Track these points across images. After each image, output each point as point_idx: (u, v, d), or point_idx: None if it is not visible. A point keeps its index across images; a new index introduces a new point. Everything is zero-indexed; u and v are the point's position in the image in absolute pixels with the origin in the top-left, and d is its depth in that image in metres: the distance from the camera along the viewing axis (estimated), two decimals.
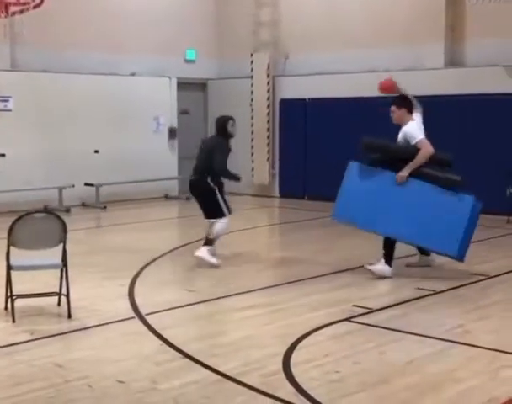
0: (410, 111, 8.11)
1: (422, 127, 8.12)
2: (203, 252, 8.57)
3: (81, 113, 14.04)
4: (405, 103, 8.14)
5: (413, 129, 7.99)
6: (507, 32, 12.40)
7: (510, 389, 4.78)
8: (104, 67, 14.40)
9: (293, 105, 15.11)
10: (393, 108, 8.14)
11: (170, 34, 15.49)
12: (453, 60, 13.18)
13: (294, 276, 8.06)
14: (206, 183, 8.56)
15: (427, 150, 7.86)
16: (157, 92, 15.31)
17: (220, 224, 8.59)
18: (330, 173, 14.49)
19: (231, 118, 9.01)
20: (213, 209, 8.61)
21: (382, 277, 7.87)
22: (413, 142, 7.93)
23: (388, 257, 7.94)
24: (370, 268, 7.97)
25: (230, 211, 8.72)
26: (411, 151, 7.94)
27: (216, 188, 8.59)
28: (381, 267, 7.94)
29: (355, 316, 6.47)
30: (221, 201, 8.60)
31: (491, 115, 12.34)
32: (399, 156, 8.04)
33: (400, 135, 8.11)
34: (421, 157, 7.85)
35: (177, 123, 15.75)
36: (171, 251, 9.62)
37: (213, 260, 8.54)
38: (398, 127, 8.17)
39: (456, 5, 13.09)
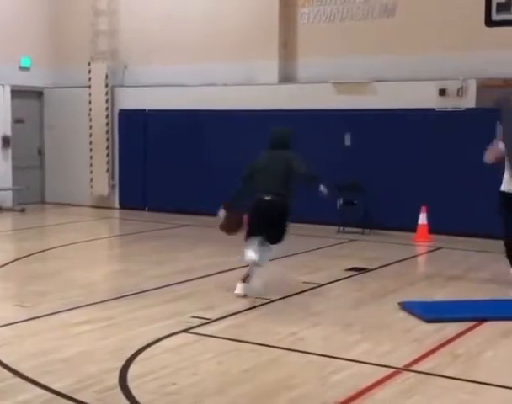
0: None
1: None
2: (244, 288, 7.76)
3: None
4: None
5: None
6: (335, 51, 13.03)
7: (339, 393, 4.98)
8: None
9: (133, 116, 15.03)
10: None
11: (3, 40, 14.95)
12: (286, 76, 13.65)
13: (132, 289, 8.00)
14: (287, 206, 7.78)
15: None
16: None
17: (275, 249, 7.93)
18: (170, 185, 14.62)
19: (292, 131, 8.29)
20: (281, 234, 7.79)
21: None
22: None
23: None
24: None
25: None
26: None
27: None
28: None
29: (193, 327, 6.51)
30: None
31: (321, 130, 12.87)
32: None
33: None
34: None
35: (11, 131, 15.18)
36: (3, 265, 9.25)
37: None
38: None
39: (289, 24, 13.57)
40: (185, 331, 6.42)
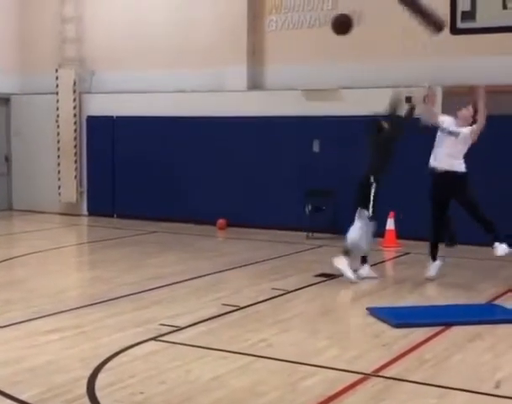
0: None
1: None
2: (342, 262, 8.62)
3: None
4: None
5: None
6: (303, 58, 13.09)
7: (308, 399, 5.00)
8: None
9: (100, 123, 14.94)
10: (470, 112, 8.94)
11: None
12: (255, 83, 13.68)
13: (101, 296, 7.95)
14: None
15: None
16: None
17: (355, 229, 8.62)
18: (139, 191, 14.56)
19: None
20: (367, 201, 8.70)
21: None
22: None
23: None
24: None
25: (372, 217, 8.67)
26: None
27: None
28: None
29: (162, 335, 6.50)
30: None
31: (290, 136, 12.94)
32: None
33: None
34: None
35: None
36: None
37: (350, 275, 8.57)
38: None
39: (257, 31, 13.61)
40: (154, 338, 6.40)
